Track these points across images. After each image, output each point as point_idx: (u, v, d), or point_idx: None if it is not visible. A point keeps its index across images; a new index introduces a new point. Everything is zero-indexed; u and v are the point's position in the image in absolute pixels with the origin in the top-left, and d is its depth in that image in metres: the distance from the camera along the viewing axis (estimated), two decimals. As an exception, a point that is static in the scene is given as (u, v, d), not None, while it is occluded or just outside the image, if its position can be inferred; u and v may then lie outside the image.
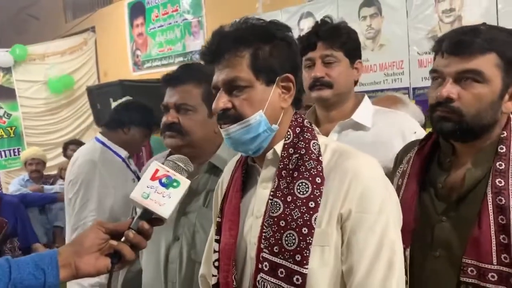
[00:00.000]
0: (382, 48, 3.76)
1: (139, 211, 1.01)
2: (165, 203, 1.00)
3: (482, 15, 3.08)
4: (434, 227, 1.16)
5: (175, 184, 1.02)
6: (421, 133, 1.66)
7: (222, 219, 1.13)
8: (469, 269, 1.07)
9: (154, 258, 1.39)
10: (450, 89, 1.10)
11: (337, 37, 1.58)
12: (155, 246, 1.38)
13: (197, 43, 5.61)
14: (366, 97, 1.70)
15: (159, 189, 1.00)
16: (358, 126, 1.62)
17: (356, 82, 1.69)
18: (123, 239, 0.98)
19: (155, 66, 6.35)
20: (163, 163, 1.04)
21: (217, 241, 1.13)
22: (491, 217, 1.06)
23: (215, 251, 1.13)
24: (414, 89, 3.55)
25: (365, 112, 1.64)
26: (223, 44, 1.04)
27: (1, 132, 7.09)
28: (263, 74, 1.04)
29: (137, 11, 6.58)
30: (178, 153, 1.19)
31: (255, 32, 1.05)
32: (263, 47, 1.04)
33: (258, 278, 1.00)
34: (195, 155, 1.14)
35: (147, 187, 1.00)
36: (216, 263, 1.12)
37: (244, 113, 1.04)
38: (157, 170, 1.03)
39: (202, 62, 1.50)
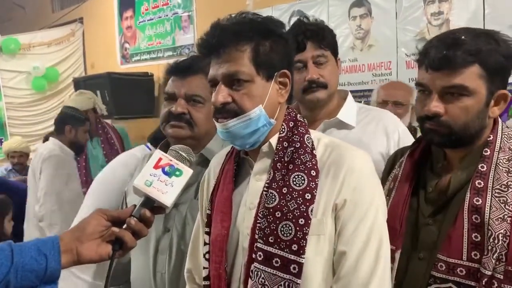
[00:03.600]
0: (371, 48, 3.80)
1: (140, 199, 1.01)
2: (167, 192, 1.01)
3: (470, 19, 3.14)
4: (421, 230, 1.20)
5: (177, 173, 1.03)
6: (404, 131, 1.70)
7: (212, 211, 1.14)
8: (439, 264, 1.12)
9: (143, 249, 1.39)
10: (437, 105, 1.14)
11: (324, 36, 1.59)
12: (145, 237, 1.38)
13: (187, 37, 5.59)
14: (349, 95, 1.72)
15: (162, 178, 1.02)
16: (342, 125, 1.64)
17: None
18: (124, 226, 0.99)
19: (143, 60, 6.31)
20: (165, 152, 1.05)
21: (208, 233, 1.14)
22: (465, 216, 1.10)
23: (205, 244, 1.14)
24: (401, 90, 3.59)
25: (349, 110, 1.66)
26: (223, 37, 1.04)
27: (-16, 122, 6.99)
28: (264, 69, 1.05)
29: (127, 3, 6.53)
30: (180, 143, 1.19)
31: (255, 27, 1.06)
32: (263, 42, 1.05)
33: (252, 267, 1.01)
34: (194, 147, 1.14)
35: (150, 175, 1.01)
36: (207, 256, 1.13)
37: (244, 107, 1.04)
38: (160, 159, 1.04)
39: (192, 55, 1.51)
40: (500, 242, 1.06)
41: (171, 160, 1.05)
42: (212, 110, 1.09)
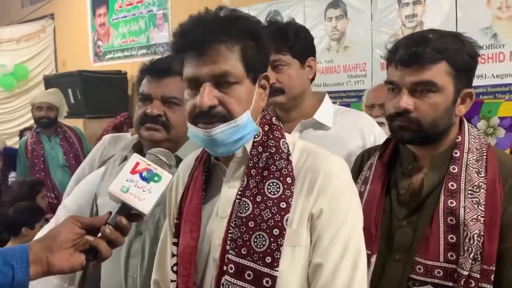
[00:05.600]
0: (347, 50, 3.82)
1: (116, 205, 0.96)
2: (145, 198, 0.95)
3: (443, 22, 3.19)
4: (395, 232, 1.20)
5: (156, 178, 0.98)
6: (380, 132, 1.70)
7: (180, 220, 1.07)
8: (417, 266, 1.12)
9: (114, 253, 1.33)
10: (406, 101, 1.16)
11: (283, 41, 1.55)
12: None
13: (161, 35, 5.52)
14: (326, 96, 1.71)
15: (140, 183, 0.96)
16: (319, 126, 1.63)
17: (312, 79, 1.67)
18: (99, 234, 0.94)
19: (117, 58, 6.19)
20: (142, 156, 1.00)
21: (175, 244, 1.07)
22: (441, 218, 1.12)
23: (173, 255, 1.07)
24: (376, 91, 3.62)
25: (326, 111, 1.65)
26: (211, 33, 0.94)
27: None
28: (251, 71, 0.99)
29: (100, 0, 6.40)
30: (155, 146, 1.14)
31: (243, 26, 0.98)
32: (251, 43, 0.98)
33: (223, 281, 0.95)
34: (170, 150, 1.10)
35: (127, 180, 0.96)
36: (175, 268, 1.06)
37: (234, 111, 0.96)
38: (137, 163, 0.98)
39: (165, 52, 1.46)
40: (475, 242, 1.08)
41: (149, 165, 0.99)
42: (189, 113, 1.00)
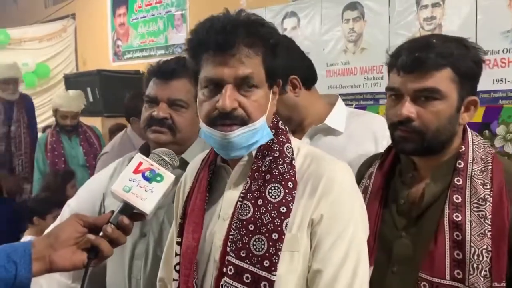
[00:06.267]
0: (364, 52, 3.79)
1: (119, 204, 0.97)
2: (147, 198, 0.96)
3: (462, 25, 3.14)
4: (393, 243, 1.17)
5: (158, 178, 0.98)
6: None
7: (184, 220, 1.08)
8: (422, 283, 1.08)
9: (119, 254, 1.35)
10: (409, 109, 1.11)
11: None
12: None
13: (179, 36, 5.55)
14: (339, 99, 1.67)
15: (142, 183, 0.97)
16: (329, 131, 1.59)
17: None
18: (101, 233, 0.95)
19: (135, 58, 6.26)
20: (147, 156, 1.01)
21: (179, 243, 1.08)
22: (447, 233, 1.08)
23: (176, 254, 1.09)
24: (392, 94, 3.59)
25: (338, 115, 1.61)
26: (237, 35, 0.93)
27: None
28: (270, 77, 1.00)
29: (120, 0, 6.48)
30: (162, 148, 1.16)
31: (267, 32, 0.98)
32: (272, 49, 0.99)
33: (222, 282, 0.96)
34: (176, 152, 1.11)
35: (129, 180, 0.97)
36: (178, 267, 1.07)
37: (253, 115, 0.97)
38: (140, 163, 0.99)
39: (184, 51, 1.46)
40: (484, 258, 1.03)
41: (152, 165, 1.00)
42: (206, 113, 0.99)
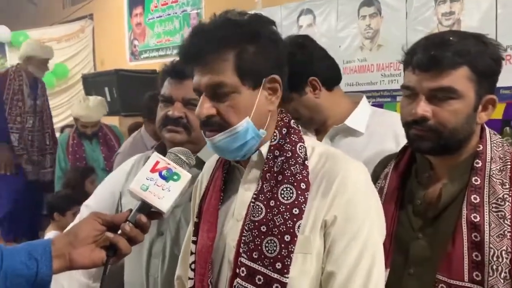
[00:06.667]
0: (380, 48, 3.75)
1: (136, 203, 0.98)
2: (164, 196, 0.97)
3: (482, 19, 3.08)
4: (410, 245, 1.14)
5: (175, 177, 0.99)
6: None
7: (200, 219, 1.09)
8: (440, 285, 1.05)
9: (136, 252, 1.34)
10: (424, 108, 1.08)
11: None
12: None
13: (195, 35, 5.57)
14: (363, 99, 1.63)
15: (159, 182, 0.98)
16: (350, 132, 1.56)
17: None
18: (119, 231, 0.95)
19: (152, 57, 6.31)
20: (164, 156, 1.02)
21: (194, 242, 1.09)
22: (465, 234, 1.05)
23: (192, 253, 1.09)
24: (410, 91, 3.55)
25: (360, 116, 1.58)
26: (204, 45, 0.96)
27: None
28: (249, 78, 0.97)
29: (136, 0, 6.53)
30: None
31: (239, 31, 0.97)
32: (248, 48, 0.97)
33: (235, 283, 0.95)
34: (192, 151, 1.11)
35: (147, 179, 0.98)
36: (193, 266, 1.07)
37: (230, 120, 0.97)
38: (157, 162, 1.00)
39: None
40: (504, 260, 1.01)
41: (168, 164, 1.01)
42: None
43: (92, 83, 5.70)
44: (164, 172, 0.99)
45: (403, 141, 1.53)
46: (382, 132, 1.56)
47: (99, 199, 1.54)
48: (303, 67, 1.50)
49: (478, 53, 1.07)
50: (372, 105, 2.88)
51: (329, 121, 1.58)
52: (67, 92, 7.42)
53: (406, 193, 1.20)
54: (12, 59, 7.07)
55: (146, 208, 0.98)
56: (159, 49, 6.20)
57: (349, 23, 3.92)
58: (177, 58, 1.43)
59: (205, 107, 0.98)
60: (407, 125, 1.14)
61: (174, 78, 1.38)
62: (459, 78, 1.07)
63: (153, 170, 0.99)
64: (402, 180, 1.21)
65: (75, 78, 7.27)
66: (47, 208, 3.19)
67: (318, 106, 1.55)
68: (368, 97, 3.73)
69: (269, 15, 1.10)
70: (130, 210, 0.98)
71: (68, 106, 7.35)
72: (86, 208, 1.56)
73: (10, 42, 7.26)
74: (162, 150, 1.43)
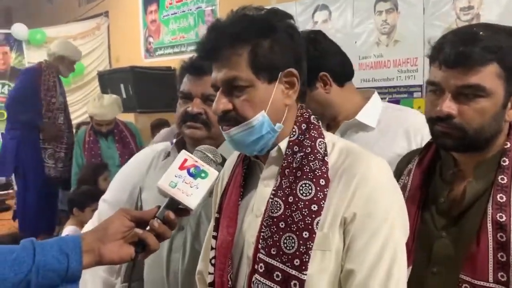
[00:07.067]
0: (397, 44, 3.71)
1: (164, 200, 0.99)
2: (192, 194, 0.98)
3: (502, 14, 3.02)
4: (433, 243, 1.12)
5: (203, 175, 1.01)
6: (428, 133, 1.61)
7: (220, 215, 1.10)
8: (464, 285, 1.03)
9: (156, 247, 1.37)
10: (450, 106, 1.05)
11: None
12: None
13: (210, 32, 5.57)
14: (375, 94, 1.62)
15: (187, 179, 0.99)
16: (361, 127, 1.56)
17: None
18: (148, 228, 0.96)
19: (167, 54, 6.34)
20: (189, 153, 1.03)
21: (215, 237, 1.10)
22: (490, 234, 1.02)
23: (212, 248, 1.10)
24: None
25: (371, 111, 1.57)
26: (220, 41, 0.98)
27: (11, 113, 7.14)
28: (264, 72, 0.98)
29: (151, -3, 6.56)
30: (197, 144, 1.17)
31: (254, 26, 0.98)
32: (263, 42, 0.97)
33: (253, 279, 0.95)
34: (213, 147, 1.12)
35: (175, 176, 0.99)
36: (213, 261, 1.08)
37: (245, 115, 0.98)
38: (185, 160, 1.01)
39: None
40: None
41: (196, 162, 1.02)
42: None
43: (108, 80, 5.75)
44: (192, 170, 1.01)
45: (415, 138, 1.53)
46: (393, 128, 1.54)
47: (117, 194, 1.56)
48: (314, 62, 1.48)
49: (509, 49, 1.03)
50: (389, 101, 2.84)
51: (340, 116, 1.58)
52: (83, 89, 7.50)
53: (429, 191, 1.17)
54: (30, 56, 7.18)
55: (174, 205, 0.99)
56: (173, 46, 6.22)
57: (365, 19, 3.88)
58: (195, 55, 1.45)
59: (221, 103, 0.99)
60: (432, 121, 1.11)
61: (193, 75, 1.39)
62: (488, 75, 1.03)
63: (181, 168, 1.00)
64: (426, 177, 1.18)
65: (91, 75, 7.35)
66: (67, 203, 3.23)
67: (329, 101, 1.55)
68: (384, 93, 3.74)
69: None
70: (158, 207, 0.99)
71: (83, 103, 7.44)
72: (104, 202, 1.57)
73: (28, 40, 7.35)
74: (182, 145, 1.44)
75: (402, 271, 0.95)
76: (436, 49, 1.09)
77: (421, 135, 1.53)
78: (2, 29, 7.58)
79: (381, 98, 1.67)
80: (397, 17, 3.69)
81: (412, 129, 1.53)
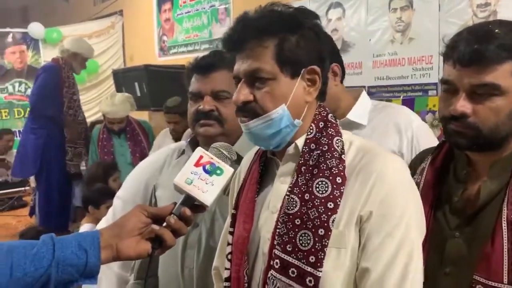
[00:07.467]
0: (412, 41, 3.67)
1: (180, 196, 1.00)
2: (208, 190, 0.99)
3: (519, 11, 2.98)
4: (446, 243, 1.11)
5: (218, 171, 1.02)
6: (419, 127, 1.61)
7: (237, 211, 1.11)
8: (477, 286, 1.01)
9: (171, 244, 1.38)
10: (464, 105, 1.03)
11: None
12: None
13: (223, 30, 5.52)
14: (363, 93, 1.66)
15: (203, 176, 1.00)
16: (353, 125, 1.58)
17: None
18: (164, 224, 0.97)
19: (180, 52, 6.37)
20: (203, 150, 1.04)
21: (231, 233, 1.11)
22: (505, 234, 1.01)
23: (229, 244, 1.11)
24: (443, 85, 3.46)
25: (361, 109, 1.61)
26: (246, 33, 0.99)
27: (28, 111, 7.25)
28: (288, 67, 0.99)
29: (165, -4, 6.60)
30: (211, 142, 1.17)
31: (282, 21, 0.99)
32: (289, 37, 0.98)
33: (269, 275, 0.96)
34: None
35: (191, 173, 1.00)
36: (230, 256, 1.09)
37: (266, 107, 0.99)
38: (201, 157, 1.02)
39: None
40: None
41: (212, 158, 1.03)
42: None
43: (122, 79, 5.79)
44: (207, 167, 1.01)
45: (406, 133, 1.57)
46: (384, 125, 1.58)
47: (130, 191, 1.57)
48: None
49: None
50: (403, 99, 2.83)
51: (336, 113, 1.60)
52: (98, 87, 7.58)
53: (443, 190, 1.16)
54: (46, 55, 7.27)
55: (190, 202, 1.00)
56: (187, 44, 6.25)
57: (380, 16, 3.86)
58: (201, 55, 1.47)
59: (243, 93, 1.00)
60: (445, 120, 1.10)
61: (200, 73, 1.40)
62: (503, 74, 1.01)
63: (197, 164, 1.01)
64: (439, 176, 1.17)
65: (106, 73, 7.42)
66: (82, 201, 3.26)
67: (332, 95, 1.56)
68: (398, 92, 3.71)
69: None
70: (175, 203, 1.00)
71: (98, 102, 7.51)
72: (118, 199, 1.59)
73: (44, 39, 7.45)
74: (195, 144, 1.45)
75: (418, 271, 0.94)
76: (450, 47, 1.07)
77: (411, 129, 1.57)
78: (19, 28, 7.69)
79: (396, 96, 1.69)
80: (412, 14, 3.66)
81: (403, 124, 1.57)
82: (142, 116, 4.96)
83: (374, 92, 3.84)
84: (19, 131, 7.22)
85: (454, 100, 1.06)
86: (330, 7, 4.21)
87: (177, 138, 3.61)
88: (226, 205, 1.27)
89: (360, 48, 3.94)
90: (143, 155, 3.87)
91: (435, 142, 1.66)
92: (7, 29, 7.65)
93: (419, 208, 1.00)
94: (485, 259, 1.02)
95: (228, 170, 1.03)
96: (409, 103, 3.40)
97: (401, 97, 3.60)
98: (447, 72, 1.09)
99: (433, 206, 1.14)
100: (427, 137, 1.61)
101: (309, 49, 1.00)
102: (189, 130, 3.08)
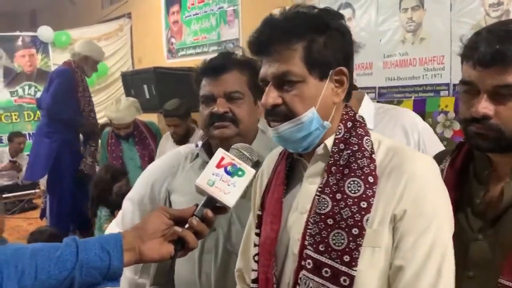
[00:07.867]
0: (423, 42, 3.64)
1: (202, 198, 1.00)
2: (230, 192, 0.99)
3: (533, 10, 2.94)
4: (469, 246, 1.09)
5: (240, 173, 1.01)
6: (425, 128, 1.61)
7: (262, 212, 1.10)
8: None
9: (188, 249, 1.37)
10: (486, 106, 1.01)
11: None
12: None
13: (232, 32, 5.59)
14: (366, 96, 1.65)
15: (224, 177, 0.99)
16: None
17: None
18: (186, 226, 0.97)
19: (189, 54, 6.38)
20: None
21: (258, 234, 1.10)
22: None
23: (255, 245, 1.10)
24: (454, 85, 3.43)
25: (366, 113, 1.57)
26: (274, 35, 0.98)
27: (38, 114, 7.28)
28: (317, 68, 0.98)
29: (173, -2, 6.61)
30: (226, 143, 1.17)
31: (308, 22, 0.98)
32: (317, 39, 0.97)
33: (301, 275, 0.96)
34: None
35: (213, 174, 1.00)
36: (256, 258, 1.09)
37: (295, 110, 0.98)
38: (222, 158, 1.02)
39: (238, 51, 1.46)
40: None
41: (233, 160, 1.02)
42: (263, 111, 1.04)
43: (131, 81, 5.80)
44: (229, 168, 1.01)
45: (412, 134, 1.56)
46: (391, 126, 1.57)
47: (139, 193, 1.56)
48: None
49: None
50: (415, 100, 2.80)
51: None
52: (106, 90, 7.61)
53: (464, 192, 1.14)
54: (56, 58, 7.31)
55: (212, 203, 0.99)
56: (195, 46, 6.26)
57: (390, 16, 3.83)
58: (210, 57, 1.46)
59: (271, 96, 0.99)
60: (466, 122, 1.08)
61: (211, 76, 1.39)
62: None
63: (218, 166, 1.01)
64: (459, 177, 1.15)
65: (114, 76, 7.45)
66: (108, 206, 3.28)
67: None
68: (409, 92, 3.68)
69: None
70: (197, 205, 1.00)
71: (106, 104, 7.55)
72: (127, 201, 1.58)
73: (53, 42, 7.50)
74: (208, 148, 1.45)
75: (451, 272, 0.94)
76: (469, 48, 1.05)
77: (418, 131, 1.57)
78: (28, 32, 7.75)
79: (407, 97, 1.68)
80: (423, 14, 3.63)
81: (409, 126, 1.57)
82: (151, 118, 4.97)
83: (385, 93, 3.81)
84: (29, 134, 7.27)
85: (475, 101, 1.04)
86: (340, 7, 4.19)
87: (178, 141, 3.59)
88: (242, 208, 1.26)
89: (370, 49, 3.91)
90: (152, 158, 3.88)
91: (439, 144, 1.67)
92: (17, 33, 7.71)
93: (449, 207, 0.99)
94: (509, 262, 1.00)
95: (249, 171, 1.02)
96: (420, 103, 3.38)
97: (413, 98, 3.57)
98: (466, 73, 1.07)
99: (454, 208, 1.12)
100: (432, 139, 1.62)
101: (336, 49, 1.00)
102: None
